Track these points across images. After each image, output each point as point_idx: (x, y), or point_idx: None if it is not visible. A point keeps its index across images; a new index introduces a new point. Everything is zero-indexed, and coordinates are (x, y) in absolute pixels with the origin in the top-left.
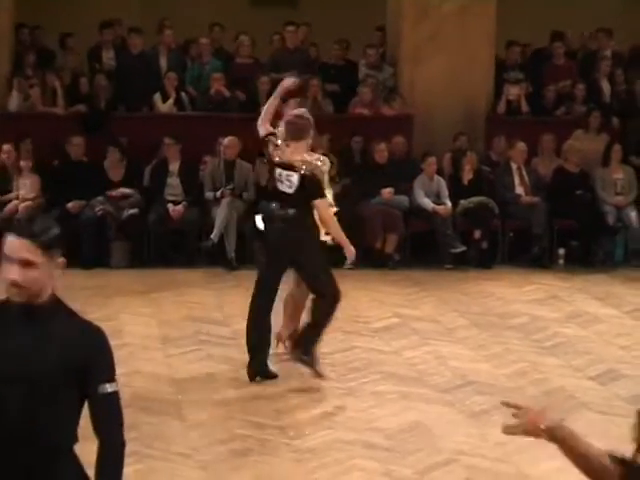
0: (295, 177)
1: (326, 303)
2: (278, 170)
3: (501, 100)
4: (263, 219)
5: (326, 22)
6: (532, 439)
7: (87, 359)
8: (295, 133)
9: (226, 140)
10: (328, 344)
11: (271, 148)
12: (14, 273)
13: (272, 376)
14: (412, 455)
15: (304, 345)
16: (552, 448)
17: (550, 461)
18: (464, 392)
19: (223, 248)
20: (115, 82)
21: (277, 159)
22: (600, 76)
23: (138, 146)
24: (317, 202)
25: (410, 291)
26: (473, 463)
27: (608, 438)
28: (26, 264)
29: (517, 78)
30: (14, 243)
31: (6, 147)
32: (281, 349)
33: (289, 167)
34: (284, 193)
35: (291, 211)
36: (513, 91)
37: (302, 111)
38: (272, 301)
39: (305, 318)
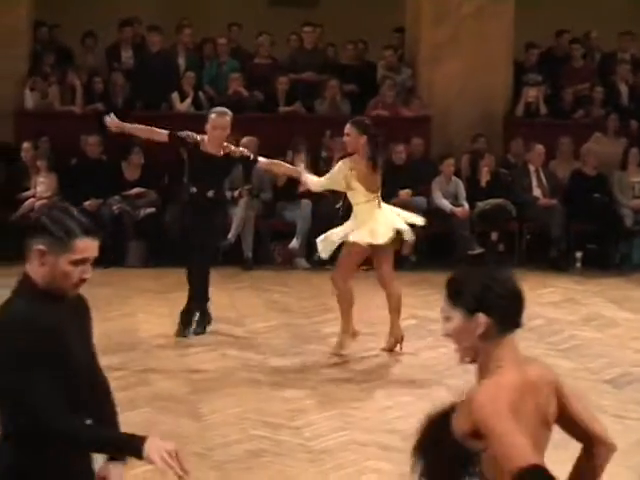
0: None
1: None
2: None
3: (519, 102)
4: None
5: (345, 23)
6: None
7: None
8: None
9: (244, 140)
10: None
11: None
12: (89, 272)
13: None
14: None
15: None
16: (569, 451)
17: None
18: None
19: (240, 248)
20: (133, 81)
21: None
22: (618, 79)
23: (155, 145)
24: None
25: (427, 292)
26: None
27: (623, 441)
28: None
29: (535, 80)
30: (94, 245)
31: (25, 145)
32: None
33: None
34: None
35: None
36: (531, 93)
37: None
38: None
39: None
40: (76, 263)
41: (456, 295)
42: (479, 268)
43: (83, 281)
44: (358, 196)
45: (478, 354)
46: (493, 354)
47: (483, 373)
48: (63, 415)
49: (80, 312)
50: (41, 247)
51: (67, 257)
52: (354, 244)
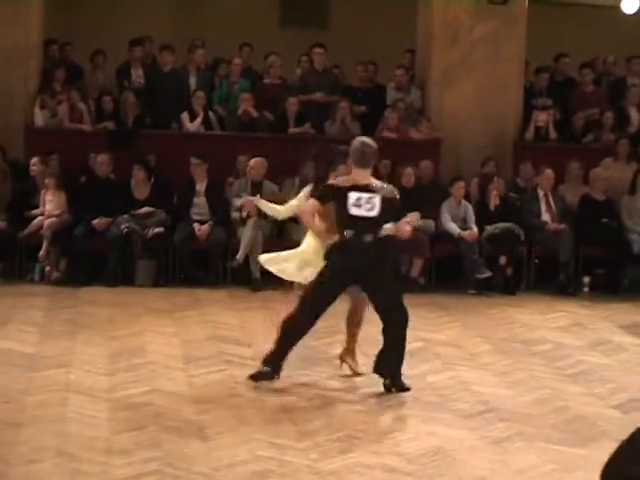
0: (377, 199)
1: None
2: (355, 194)
3: (529, 126)
4: None
5: (356, 44)
6: (554, 467)
7: None
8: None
9: (252, 161)
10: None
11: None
12: None
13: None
14: None
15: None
16: (575, 476)
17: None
18: (486, 418)
19: (248, 268)
20: (143, 100)
21: (347, 184)
22: (628, 104)
23: (165, 164)
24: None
25: (434, 316)
26: None
27: None
28: None
29: (546, 104)
30: None
31: (34, 159)
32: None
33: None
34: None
35: (369, 237)
36: (542, 117)
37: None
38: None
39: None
40: None
41: None
42: None
43: None
44: None
45: None
46: None
47: None
48: None
49: None
50: None
51: None
52: None
